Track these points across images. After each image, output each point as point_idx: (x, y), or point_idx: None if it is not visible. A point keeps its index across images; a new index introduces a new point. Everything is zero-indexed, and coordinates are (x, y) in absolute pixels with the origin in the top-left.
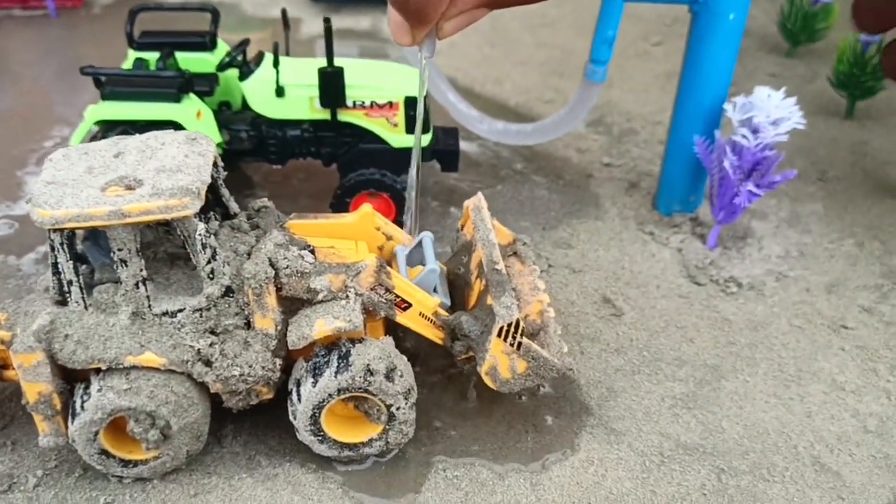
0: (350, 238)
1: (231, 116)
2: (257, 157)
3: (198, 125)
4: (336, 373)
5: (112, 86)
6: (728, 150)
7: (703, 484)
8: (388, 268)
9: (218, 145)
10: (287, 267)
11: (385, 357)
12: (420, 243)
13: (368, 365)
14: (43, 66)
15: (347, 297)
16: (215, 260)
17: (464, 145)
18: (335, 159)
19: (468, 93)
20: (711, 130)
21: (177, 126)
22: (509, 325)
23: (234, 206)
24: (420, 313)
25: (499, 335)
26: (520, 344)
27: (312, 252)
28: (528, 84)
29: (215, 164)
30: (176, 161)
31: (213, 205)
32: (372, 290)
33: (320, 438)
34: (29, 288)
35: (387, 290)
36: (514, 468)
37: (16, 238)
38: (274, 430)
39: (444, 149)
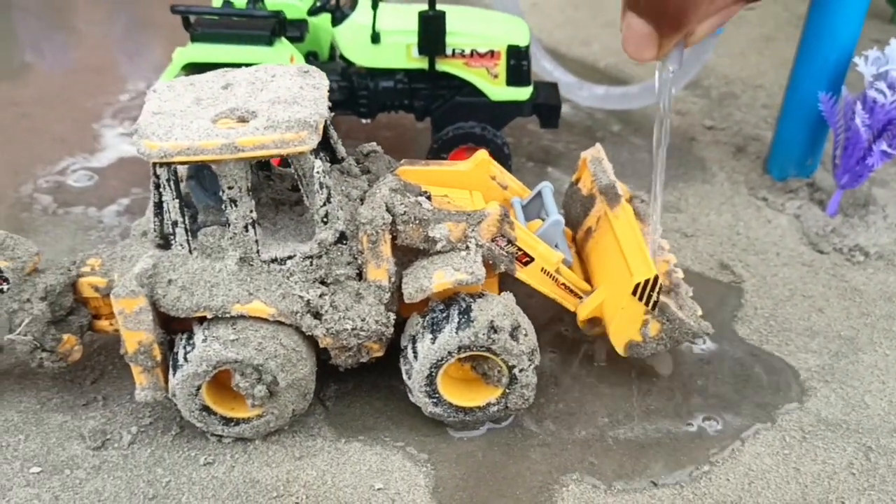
0: (463, 187)
1: (320, 66)
2: (346, 109)
3: None
4: (458, 329)
5: (202, 27)
6: (859, 107)
7: (850, 462)
8: (512, 218)
9: None
10: (405, 213)
11: (509, 314)
12: (539, 194)
13: (493, 321)
14: (110, 24)
15: (468, 247)
16: (330, 203)
17: None
18: (429, 113)
19: (554, 55)
20: (838, 86)
21: None
22: (646, 282)
23: (341, 149)
24: (542, 269)
25: (633, 293)
26: (655, 303)
27: (429, 199)
28: (618, 45)
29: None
30: (291, 93)
31: (320, 147)
32: (493, 241)
33: (435, 400)
34: (112, 239)
35: (509, 241)
36: (640, 437)
37: (95, 190)
38: (380, 390)
39: (545, 103)
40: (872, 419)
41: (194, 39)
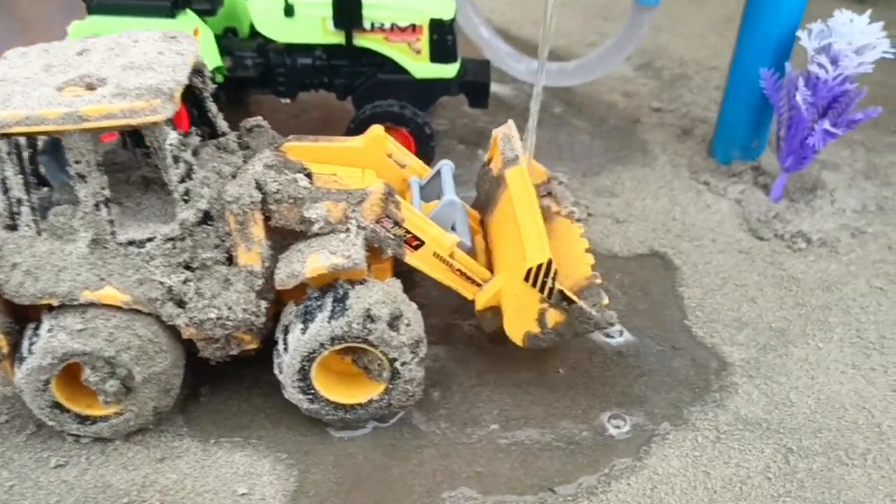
0: (356, 165)
1: (236, 42)
2: (263, 88)
3: None
4: (330, 317)
5: None
6: (801, 83)
7: (767, 465)
8: (398, 197)
9: (217, 70)
10: (277, 191)
11: (390, 301)
12: (438, 174)
13: (369, 310)
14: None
15: (348, 229)
16: (191, 178)
17: (497, 87)
18: (351, 91)
19: (504, 34)
20: (781, 62)
21: None
22: (538, 267)
23: (222, 124)
24: (434, 253)
25: (525, 279)
26: (551, 290)
27: (309, 176)
28: (570, 27)
29: (200, 73)
30: (147, 58)
31: (197, 122)
32: (377, 222)
33: (310, 397)
34: None
35: (395, 223)
36: (536, 441)
37: None
38: (261, 386)
39: (474, 80)
40: (796, 418)
41: (91, 11)
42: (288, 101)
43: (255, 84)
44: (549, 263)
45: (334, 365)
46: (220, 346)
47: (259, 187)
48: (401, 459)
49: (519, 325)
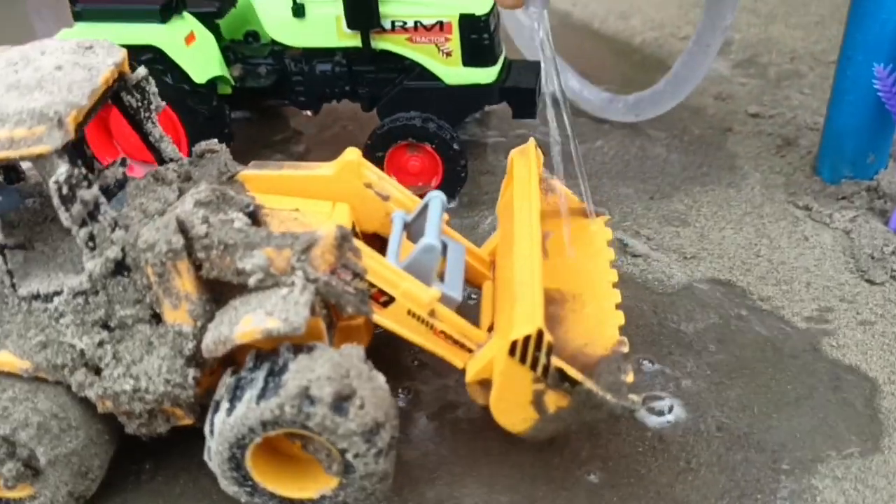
0: (328, 198)
1: (249, 48)
2: (282, 99)
3: (188, 53)
4: (260, 397)
5: (85, 2)
6: None
7: None
8: (357, 242)
9: (220, 80)
10: (206, 235)
11: (338, 377)
12: (426, 208)
13: (307, 388)
14: None
15: (293, 283)
16: (96, 221)
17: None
18: (376, 101)
19: (585, 29)
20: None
21: (160, 55)
22: (526, 339)
23: (169, 149)
24: (409, 311)
25: (511, 353)
26: (546, 368)
27: (252, 215)
28: (661, 17)
29: (137, 89)
30: (39, 75)
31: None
32: (333, 272)
33: (248, 489)
34: None
35: (355, 274)
36: None
37: None
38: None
39: (517, 86)
40: None
41: (77, 18)
42: (309, 113)
43: (271, 94)
44: (540, 335)
45: (285, 447)
46: (144, 421)
47: (183, 231)
48: None
49: (509, 409)
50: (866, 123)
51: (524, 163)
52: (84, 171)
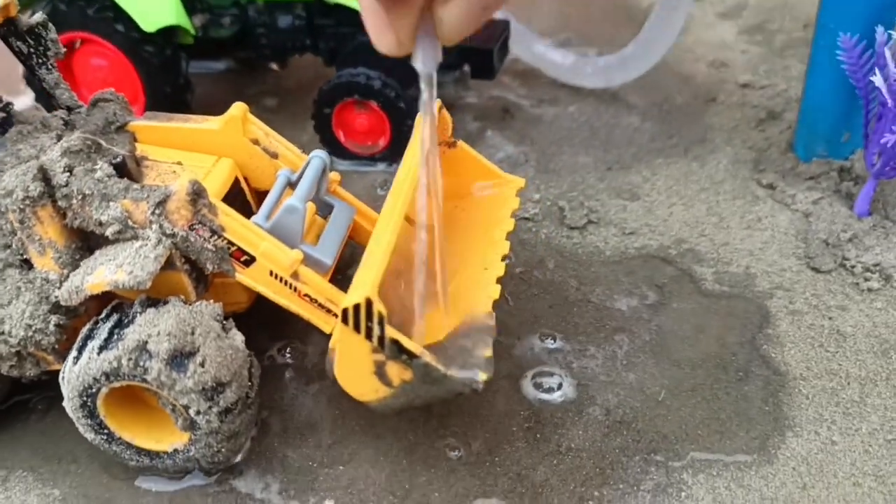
0: (213, 152)
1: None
2: (246, 50)
3: (137, 1)
4: (101, 348)
5: None
6: (889, 57)
7: None
8: (212, 199)
9: (176, 30)
10: (67, 184)
11: (180, 334)
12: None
13: (145, 343)
14: None
15: (148, 237)
16: None
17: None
18: (336, 57)
19: None
20: (871, 25)
21: (109, 2)
22: (356, 308)
23: (66, 96)
24: (271, 272)
25: (344, 321)
26: (381, 339)
27: (120, 166)
28: None
29: (33, 33)
30: None
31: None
32: (191, 228)
33: (104, 437)
34: None
35: (212, 231)
36: None
37: None
38: None
39: (474, 46)
40: None
41: None
42: (275, 66)
43: (234, 46)
44: (370, 304)
45: (145, 396)
46: (14, 364)
47: (46, 179)
48: None
49: (354, 380)
50: (841, 99)
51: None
52: None
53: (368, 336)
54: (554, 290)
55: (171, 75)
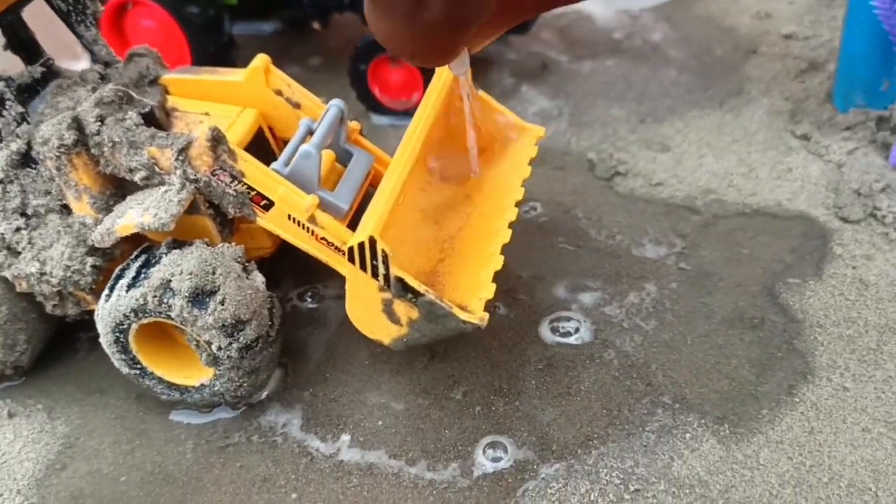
0: (238, 103)
1: None
2: (290, 10)
3: None
4: (130, 286)
5: None
6: None
7: None
8: (232, 146)
9: None
10: (98, 133)
11: (202, 273)
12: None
13: (169, 281)
14: None
15: (172, 183)
16: (1, 115)
17: (597, 8)
18: None
19: None
20: None
21: None
22: (360, 246)
23: (104, 52)
24: (289, 216)
25: (350, 259)
26: (386, 277)
27: (149, 115)
28: None
29: None
30: None
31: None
32: (212, 174)
33: (137, 372)
34: None
35: (233, 177)
36: (387, 470)
37: None
38: None
39: None
40: (754, 488)
41: None
42: (317, 25)
43: (277, 5)
44: (373, 242)
45: (177, 335)
46: (57, 303)
47: (80, 128)
48: (227, 460)
49: (364, 318)
50: (880, 47)
51: (446, 77)
52: None
53: (374, 274)
54: (580, 239)
55: (214, 34)
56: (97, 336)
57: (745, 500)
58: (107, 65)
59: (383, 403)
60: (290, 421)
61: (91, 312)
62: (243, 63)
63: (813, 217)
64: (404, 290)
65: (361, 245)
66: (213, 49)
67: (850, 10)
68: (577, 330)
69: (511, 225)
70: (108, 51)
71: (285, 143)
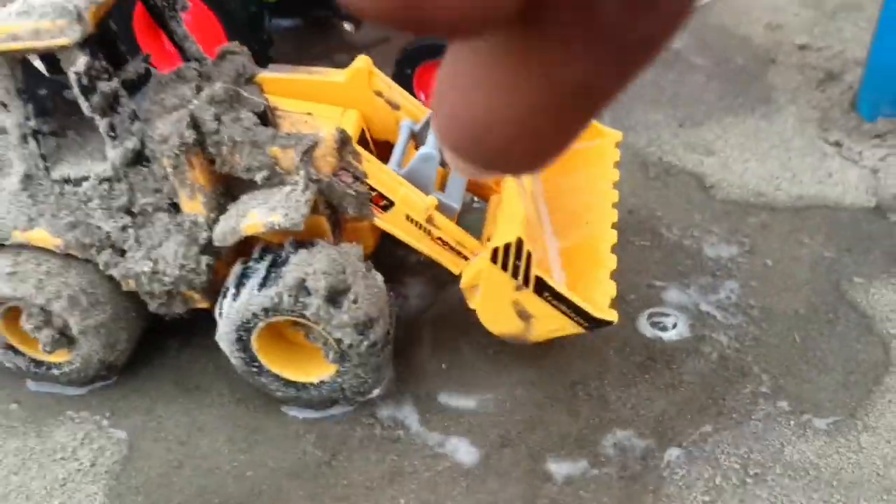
0: (339, 104)
1: None
2: (326, 9)
3: None
4: (261, 286)
5: None
6: None
7: None
8: (356, 146)
9: None
10: (217, 132)
11: (334, 272)
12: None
13: (304, 280)
14: None
15: (297, 182)
16: (116, 113)
17: None
18: None
19: None
20: None
21: None
22: (506, 247)
23: (193, 49)
24: (407, 216)
25: (493, 260)
26: (527, 277)
27: (262, 115)
28: None
29: None
30: None
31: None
32: (335, 175)
33: (255, 370)
34: None
35: (355, 177)
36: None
37: None
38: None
39: None
40: (861, 470)
41: None
42: (349, 26)
43: (316, 4)
44: (520, 244)
45: (291, 335)
46: (164, 302)
47: (196, 126)
48: (351, 454)
49: (494, 314)
50: None
51: None
52: (105, 64)
53: (515, 274)
54: (651, 239)
55: (255, 31)
56: (185, 336)
57: (854, 480)
58: (198, 62)
59: (496, 399)
60: (409, 416)
61: (194, 311)
62: (279, 58)
63: (860, 218)
64: (542, 288)
65: (507, 246)
66: (255, 47)
67: (882, 21)
68: (674, 325)
69: (613, 225)
70: (197, 48)
71: (377, 143)
